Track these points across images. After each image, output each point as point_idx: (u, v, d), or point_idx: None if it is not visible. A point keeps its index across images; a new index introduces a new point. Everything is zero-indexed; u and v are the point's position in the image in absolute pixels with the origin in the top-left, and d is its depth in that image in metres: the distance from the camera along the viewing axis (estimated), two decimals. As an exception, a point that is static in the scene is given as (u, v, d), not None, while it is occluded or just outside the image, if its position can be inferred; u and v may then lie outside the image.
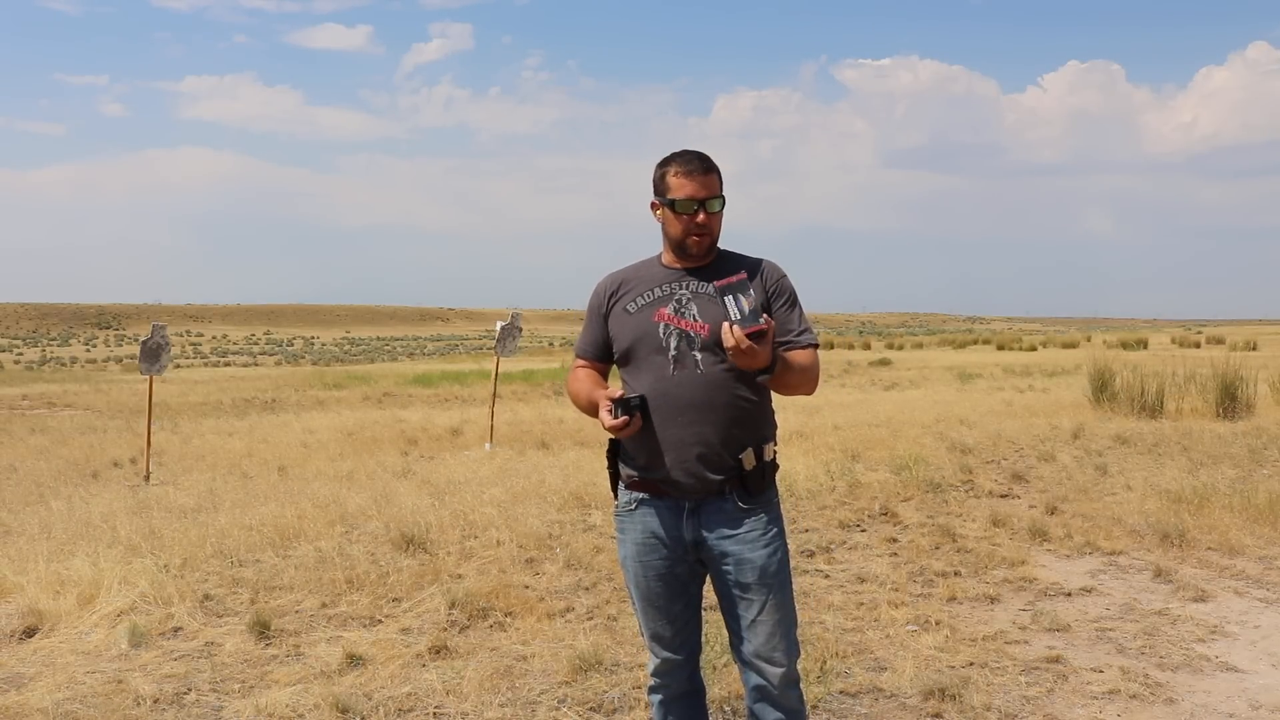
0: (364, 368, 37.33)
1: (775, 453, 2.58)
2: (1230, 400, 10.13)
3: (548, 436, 11.06)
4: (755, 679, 2.57)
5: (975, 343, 42.31)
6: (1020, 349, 34.77)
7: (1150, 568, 5.07)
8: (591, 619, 4.32)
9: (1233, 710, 3.44)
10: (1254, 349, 27.25)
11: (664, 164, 2.59)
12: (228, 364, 54.55)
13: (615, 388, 2.53)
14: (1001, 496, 6.79)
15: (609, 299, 2.64)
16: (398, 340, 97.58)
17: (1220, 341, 33.63)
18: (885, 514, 6.20)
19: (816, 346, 2.62)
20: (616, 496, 2.64)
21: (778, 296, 2.57)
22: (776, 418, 2.65)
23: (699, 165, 2.54)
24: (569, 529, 5.79)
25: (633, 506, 2.58)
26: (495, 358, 11.97)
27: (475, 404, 17.49)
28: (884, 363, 26.85)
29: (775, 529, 2.55)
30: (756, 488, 2.51)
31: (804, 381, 2.54)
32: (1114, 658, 3.90)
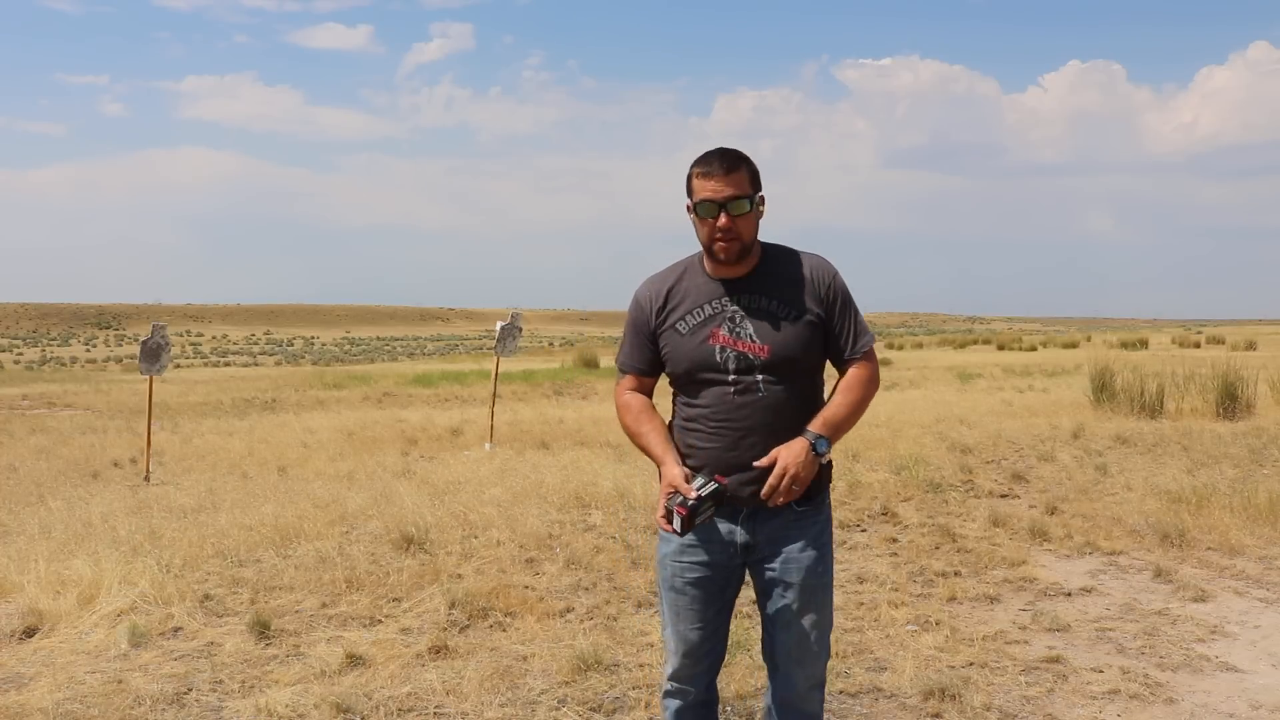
0: (364, 368, 37.33)
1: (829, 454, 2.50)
2: (1230, 400, 10.13)
3: (548, 436, 11.06)
4: (783, 680, 2.54)
5: (975, 343, 42.30)
6: (1020, 349, 34.75)
7: (1150, 568, 5.07)
8: (591, 619, 4.32)
9: (1233, 710, 3.44)
10: (1254, 349, 27.23)
11: (693, 164, 2.45)
12: (228, 364, 54.57)
13: (678, 473, 2.37)
14: (1001, 496, 6.79)
15: (656, 315, 2.51)
16: (398, 340, 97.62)
17: (1220, 341, 33.63)
18: (885, 514, 6.20)
19: (866, 338, 2.52)
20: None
21: (833, 302, 2.47)
22: None
23: (719, 164, 2.40)
24: (569, 529, 5.79)
25: None
26: (495, 358, 11.97)
27: (475, 404, 17.50)
28: (884, 363, 26.77)
29: (826, 531, 2.52)
30: (815, 491, 2.48)
31: (865, 403, 2.49)
32: (1114, 658, 3.90)
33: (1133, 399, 10.41)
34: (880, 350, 35.55)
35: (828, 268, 2.50)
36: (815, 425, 2.41)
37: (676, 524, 2.32)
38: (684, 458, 2.47)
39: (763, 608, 2.55)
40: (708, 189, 2.39)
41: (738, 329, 2.43)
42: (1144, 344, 32.25)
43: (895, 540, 5.63)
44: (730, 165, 2.40)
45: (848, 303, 2.50)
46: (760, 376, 2.41)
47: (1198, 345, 32.63)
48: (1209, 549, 5.39)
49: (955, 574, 5.00)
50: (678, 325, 2.48)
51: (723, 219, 2.38)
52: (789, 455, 2.35)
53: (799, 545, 2.47)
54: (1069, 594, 4.72)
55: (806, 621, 2.48)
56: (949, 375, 20.25)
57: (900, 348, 39.17)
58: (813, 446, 2.37)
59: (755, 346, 2.41)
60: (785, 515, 2.46)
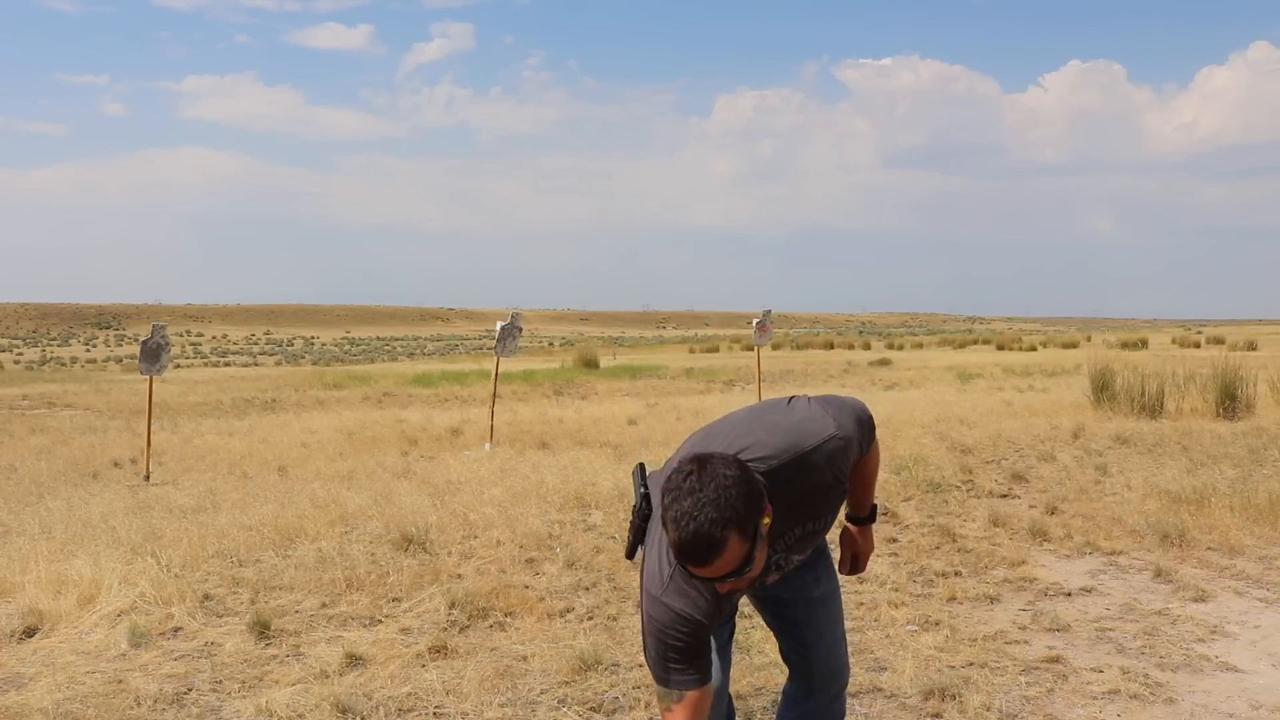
0: (364, 368, 37.33)
1: None
2: (1230, 400, 10.12)
3: (548, 436, 11.06)
4: (819, 690, 2.53)
5: (975, 343, 42.30)
6: (1020, 349, 34.76)
7: (1150, 568, 5.07)
8: (591, 619, 4.32)
9: (1233, 710, 3.44)
10: (1254, 349, 27.23)
11: (665, 518, 1.96)
12: (228, 364, 54.58)
13: None
14: (1001, 496, 6.79)
15: (715, 615, 2.14)
16: (398, 340, 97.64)
17: (1220, 341, 33.61)
18: (885, 514, 6.20)
19: (874, 436, 2.38)
20: (632, 555, 2.30)
21: (851, 461, 2.26)
22: None
23: (695, 560, 1.94)
24: (569, 529, 5.79)
25: None
26: (495, 358, 11.96)
27: (475, 404, 17.49)
28: (884, 363, 26.84)
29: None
30: None
31: (878, 465, 2.50)
32: (1114, 658, 3.90)
33: (1133, 399, 10.40)
34: (880, 350, 35.67)
35: (841, 453, 2.20)
36: (863, 509, 2.54)
37: None
38: None
39: (787, 622, 2.52)
40: (702, 572, 1.97)
41: (786, 563, 2.30)
42: (1144, 344, 32.26)
43: (895, 540, 5.63)
44: (708, 558, 1.92)
45: (859, 441, 2.28)
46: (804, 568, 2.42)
47: (1198, 345, 32.62)
48: (1209, 549, 5.39)
49: (955, 574, 5.00)
50: (733, 598, 2.25)
51: (727, 587, 2.04)
52: (865, 546, 2.57)
53: (814, 556, 2.48)
54: (1069, 594, 4.73)
55: (838, 628, 2.53)
56: (949, 375, 20.25)
57: (900, 348, 39.19)
58: (871, 522, 2.57)
59: (802, 557, 2.35)
60: None
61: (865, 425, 2.30)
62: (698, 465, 1.96)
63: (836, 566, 2.55)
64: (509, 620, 4.30)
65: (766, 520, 1.98)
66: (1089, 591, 4.76)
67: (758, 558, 1.98)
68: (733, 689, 3.44)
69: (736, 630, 2.62)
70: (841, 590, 2.58)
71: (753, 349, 17.60)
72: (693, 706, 2.08)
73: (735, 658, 3.55)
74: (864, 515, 2.56)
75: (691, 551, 1.91)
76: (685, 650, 2.08)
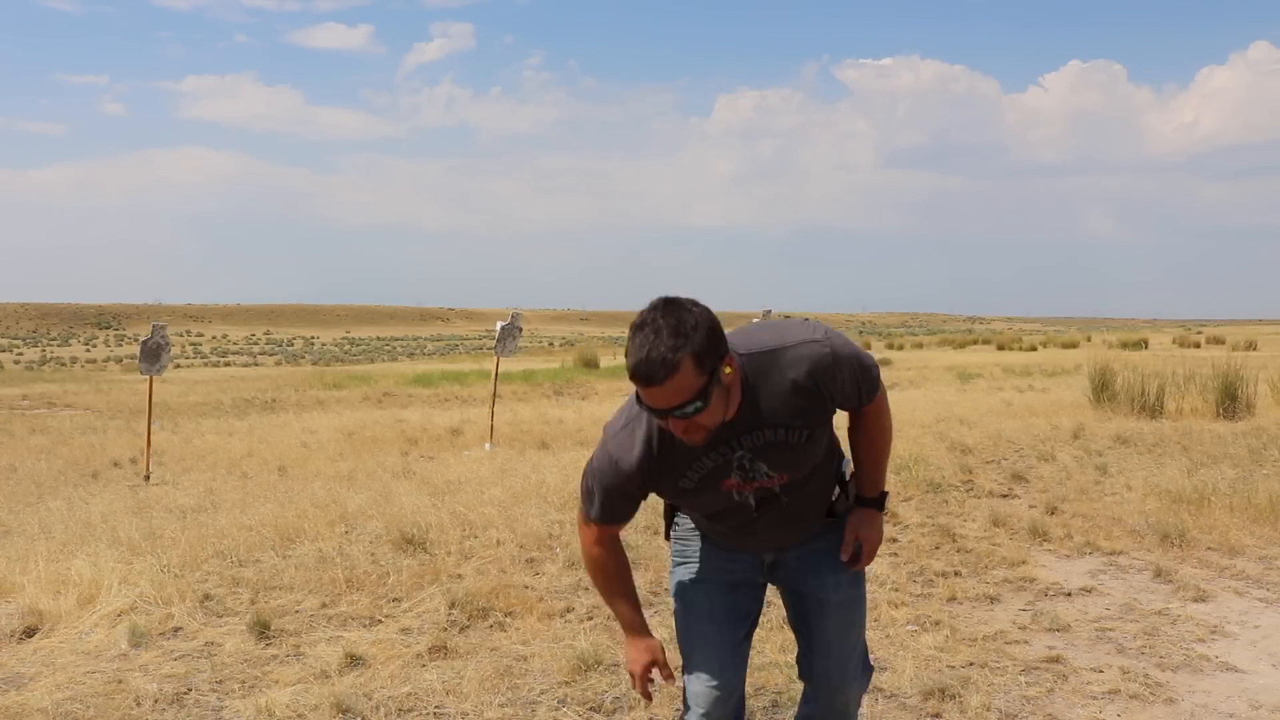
0: (364, 368, 37.31)
1: (849, 464, 2.46)
2: (1230, 400, 10.12)
3: (548, 436, 11.06)
4: (829, 697, 2.48)
5: (975, 343, 42.29)
6: (1020, 349, 34.74)
7: (1150, 568, 5.07)
8: (591, 619, 4.32)
9: (1233, 710, 3.44)
10: (1254, 349, 27.22)
11: (627, 349, 1.99)
12: (228, 364, 54.58)
13: (657, 647, 2.36)
14: (1001, 496, 6.79)
15: (649, 480, 2.21)
16: (398, 340, 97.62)
17: (1220, 341, 33.59)
18: (885, 514, 6.19)
19: (876, 389, 2.27)
20: (669, 535, 2.48)
21: (839, 386, 2.17)
22: None
23: (643, 380, 1.96)
24: (569, 529, 5.79)
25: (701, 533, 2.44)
26: (495, 358, 11.96)
27: (475, 404, 17.48)
28: (884, 363, 26.76)
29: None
30: (841, 505, 2.43)
31: (891, 439, 2.39)
32: (1114, 658, 3.90)
33: (1133, 399, 10.39)
34: (880, 350, 35.66)
35: (822, 360, 2.12)
36: (872, 489, 2.40)
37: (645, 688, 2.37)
38: (694, 528, 2.44)
39: (801, 620, 2.48)
40: (651, 398, 1.98)
41: (750, 472, 2.20)
42: (1144, 344, 32.23)
43: (895, 540, 5.63)
44: (667, 370, 1.93)
45: (852, 371, 2.18)
46: (785, 497, 2.27)
47: (1198, 345, 32.60)
48: (1209, 549, 5.39)
49: (955, 574, 5.00)
50: (680, 482, 2.21)
51: (678, 426, 2.02)
52: (871, 532, 2.40)
53: (833, 558, 2.41)
54: (1069, 594, 4.73)
55: (848, 642, 2.45)
56: (949, 375, 20.25)
57: (900, 348, 39.18)
58: (879, 509, 2.42)
59: (773, 480, 2.22)
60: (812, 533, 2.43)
61: (865, 365, 2.20)
62: (664, 302, 2.01)
63: (843, 555, 2.39)
64: (509, 620, 4.30)
65: (729, 370, 2.01)
66: (1089, 591, 4.76)
67: (714, 402, 2.00)
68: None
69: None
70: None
71: (753, 349, 17.53)
72: (593, 533, 2.30)
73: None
74: (873, 497, 2.41)
75: (646, 370, 1.94)
76: (605, 491, 2.23)
